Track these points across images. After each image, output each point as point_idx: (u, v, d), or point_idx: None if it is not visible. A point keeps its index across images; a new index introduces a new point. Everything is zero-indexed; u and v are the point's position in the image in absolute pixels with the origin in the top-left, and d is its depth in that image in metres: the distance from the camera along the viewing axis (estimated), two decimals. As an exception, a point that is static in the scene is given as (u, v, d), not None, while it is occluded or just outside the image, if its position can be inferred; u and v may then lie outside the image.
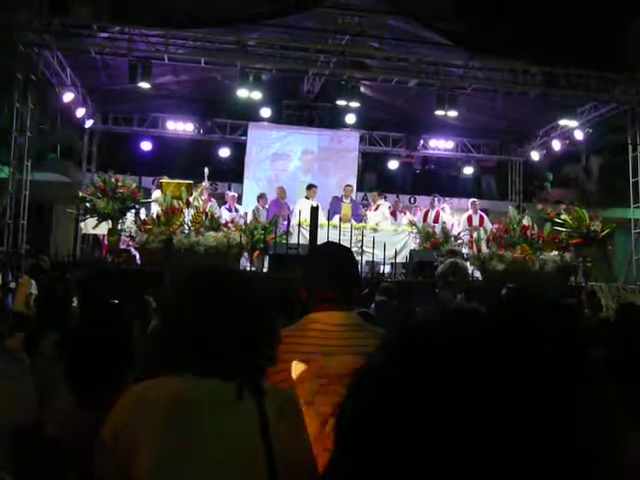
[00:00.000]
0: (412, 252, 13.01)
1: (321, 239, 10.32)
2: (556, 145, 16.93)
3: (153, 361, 2.08)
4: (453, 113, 14.28)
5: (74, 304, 6.67)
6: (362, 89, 15.10)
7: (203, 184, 13.24)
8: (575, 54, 14.48)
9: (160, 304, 4.56)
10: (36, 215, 14.57)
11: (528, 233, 12.91)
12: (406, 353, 0.60)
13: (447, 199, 16.73)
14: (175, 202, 11.69)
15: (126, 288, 7.34)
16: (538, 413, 0.54)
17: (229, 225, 11.89)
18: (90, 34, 13.01)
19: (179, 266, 9.33)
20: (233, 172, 17.52)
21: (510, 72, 14.41)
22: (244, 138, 17.07)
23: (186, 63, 13.88)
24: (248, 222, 12.61)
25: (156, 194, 12.96)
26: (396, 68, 14.20)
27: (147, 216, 12.19)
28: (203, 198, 12.57)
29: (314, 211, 8.72)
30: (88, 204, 12.10)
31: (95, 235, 14.01)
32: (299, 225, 11.76)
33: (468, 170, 19.27)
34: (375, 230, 13.06)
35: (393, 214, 14.80)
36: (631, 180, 14.92)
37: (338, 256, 2.40)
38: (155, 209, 12.37)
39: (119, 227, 12.05)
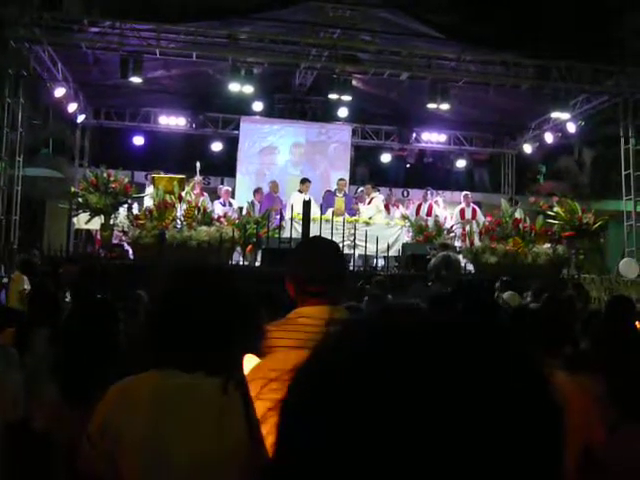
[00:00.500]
0: (405, 245, 13.04)
1: (314, 233, 10.37)
2: (548, 138, 16.91)
3: (140, 356, 2.09)
4: (445, 106, 14.25)
5: (67, 299, 6.67)
6: (354, 82, 15.07)
7: (195, 178, 13.24)
8: (567, 45, 14.47)
9: (149, 300, 4.57)
10: (28, 210, 14.52)
11: (520, 226, 12.92)
12: (330, 353, 0.61)
13: (440, 192, 16.71)
14: (167, 197, 11.68)
15: (119, 283, 7.34)
16: (454, 406, 0.54)
17: (221, 220, 11.88)
18: (81, 29, 12.94)
19: (171, 261, 9.32)
20: (226, 166, 17.47)
21: (502, 65, 14.38)
22: (236, 132, 17.03)
23: (178, 57, 13.81)
24: (241, 216, 12.60)
25: (150, 190, 12.95)
26: (388, 61, 14.15)
27: (140, 211, 12.16)
28: (195, 192, 12.56)
29: (306, 205, 8.73)
30: (80, 199, 12.08)
31: (88, 230, 13.97)
32: (292, 219, 11.77)
33: (461, 163, 19.25)
34: (368, 224, 13.07)
35: (386, 207, 14.79)
36: (623, 172, 14.94)
37: (324, 250, 2.41)
38: (148, 203, 12.37)
39: (112, 222, 12.04)
